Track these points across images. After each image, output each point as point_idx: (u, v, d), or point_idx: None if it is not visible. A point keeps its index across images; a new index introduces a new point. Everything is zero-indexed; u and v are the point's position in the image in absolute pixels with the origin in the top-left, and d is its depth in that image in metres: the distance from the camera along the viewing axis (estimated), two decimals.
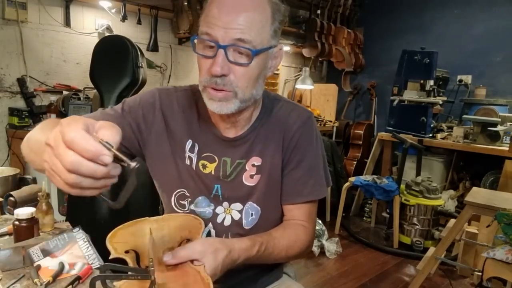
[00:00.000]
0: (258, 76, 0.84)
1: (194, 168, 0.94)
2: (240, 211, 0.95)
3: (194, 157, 0.94)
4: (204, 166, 0.94)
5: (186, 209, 0.95)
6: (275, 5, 0.82)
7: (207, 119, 0.92)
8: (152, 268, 0.64)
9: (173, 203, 0.96)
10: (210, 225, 0.95)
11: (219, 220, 0.95)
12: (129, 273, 0.67)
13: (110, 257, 0.70)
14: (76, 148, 0.49)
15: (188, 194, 0.95)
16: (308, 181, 0.95)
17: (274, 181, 0.95)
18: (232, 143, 0.93)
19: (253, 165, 0.94)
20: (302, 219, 0.96)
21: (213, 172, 0.93)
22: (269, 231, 0.92)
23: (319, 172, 0.97)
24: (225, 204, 0.95)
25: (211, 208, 0.95)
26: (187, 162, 0.94)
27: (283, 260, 0.93)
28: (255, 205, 0.95)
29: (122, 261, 0.70)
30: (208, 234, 0.95)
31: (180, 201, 0.95)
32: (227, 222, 0.95)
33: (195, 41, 0.82)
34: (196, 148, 0.94)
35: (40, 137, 0.65)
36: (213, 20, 0.77)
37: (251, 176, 0.94)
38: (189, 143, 0.94)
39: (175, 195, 0.95)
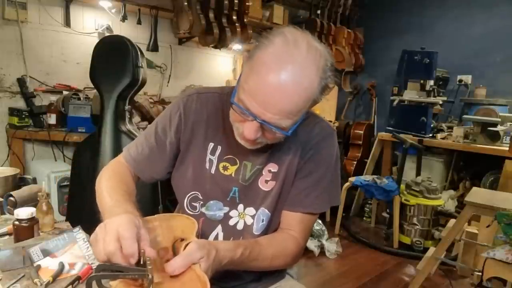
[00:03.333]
0: None
1: (212, 172, 0.96)
2: (253, 216, 0.96)
3: (215, 159, 0.96)
4: (225, 168, 0.96)
5: (197, 210, 0.97)
6: (323, 80, 0.78)
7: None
8: (150, 267, 0.64)
9: (185, 205, 0.98)
10: (220, 227, 0.96)
11: (231, 223, 0.96)
12: (126, 272, 0.67)
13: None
14: (122, 241, 0.66)
15: (201, 197, 0.97)
16: (312, 193, 0.95)
17: (287, 189, 0.96)
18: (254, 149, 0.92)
19: (270, 171, 0.95)
20: (296, 230, 0.95)
21: (233, 175, 0.95)
22: (256, 238, 0.93)
23: (325, 188, 0.97)
24: (240, 207, 0.96)
25: (222, 211, 0.96)
26: (207, 165, 0.96)
27: (267, 269, 0.93)
28: (266, 211, 0.96)
29: None
30: (216, 238, 0.97)
31: (192, 203, 0.97)
32: (240, 226, 0.96)
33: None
34: (218, 151, 0.96)
35: (105, 199, 0.84)
36: (254, 97, 0.75)
37: (266, 182, 0.95)
38: (211, 146, 0.96)
39: (188, 197, 0.98)
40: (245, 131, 0.80)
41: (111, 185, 0.89)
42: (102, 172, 0.96)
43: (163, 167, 0.99)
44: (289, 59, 0.73)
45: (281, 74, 0.72)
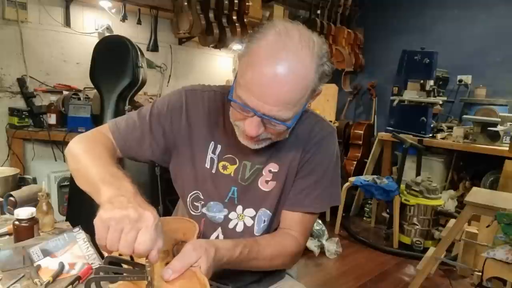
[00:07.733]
0: None
1: (213, 172, 0.95)
2: (253, 218, 0.95)
3: (215, 158, 0.95)
4: (225, 167, 0.95)
5: (198, 210, 0.96)
6: (320, 67, 0.76)
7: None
8: (148, 269, 0.64)
9: (188, 204, 0.97)
10: (220, 230, 0.96)
11: (231, 225, 0.96)
12: (125, 274, 0.66)
13: (105, 258, 0.70)
14: (140, 236, 0.60)
15: (202, 197, 0.96)
16: (311, 193, 0.94)
17: (288, 189, 0.95)
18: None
19: (270, 171, 0.94)
20: (296, 230, 0.95)
21: (232, 174, 0.94)
22: (255, 237, 0.92)
23: (326, 188, 0.96)
24: (239, 208, 0.95)
25: (222, 214, 0.95)
26: (207, 165, 0.95)
27: (267, 268, 0.93)
28: (268, 211, 0.95)
29: (117, 263, 0.70)
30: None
31: (194, 203, 0.97)
32: (239, 228, 0.96)
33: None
34: (218, 149, 0.95)
35: (92, 171, 0.74)
36: (252, 90, 0.73)
37: (267, 182, 0.95)
38: (212, 145, 0.95)
39: (190, 196, 0.97)
40: (247, 128, 0.78)
41: (99, 153, 0.81)
42: (78, 141, 0.86)
43: (149, 151, 0.94)
44: (282, 49, 0.72)
45: (275, 64, 0.72)
